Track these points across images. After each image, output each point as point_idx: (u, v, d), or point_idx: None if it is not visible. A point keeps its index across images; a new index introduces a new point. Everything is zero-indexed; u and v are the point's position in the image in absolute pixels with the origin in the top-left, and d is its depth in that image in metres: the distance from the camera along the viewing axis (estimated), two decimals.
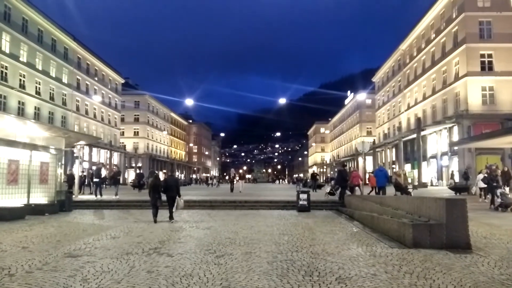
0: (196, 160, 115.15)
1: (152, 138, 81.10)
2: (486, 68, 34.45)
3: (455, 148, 33.82)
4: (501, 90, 33.97)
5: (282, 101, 42.59)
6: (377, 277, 5.75)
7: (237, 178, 30.87)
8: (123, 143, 71.85)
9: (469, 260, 6.75)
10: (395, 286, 5.29)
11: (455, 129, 35.38)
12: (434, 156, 40.10)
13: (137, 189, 30.04)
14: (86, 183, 28.11)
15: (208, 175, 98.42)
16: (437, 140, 39.38)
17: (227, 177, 38.33)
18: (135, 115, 77.23)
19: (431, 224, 8.27)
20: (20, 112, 39.90)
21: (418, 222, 8.56)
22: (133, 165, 73.09)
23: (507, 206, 13.70)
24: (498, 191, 14.15)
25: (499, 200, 13.99)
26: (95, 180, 21.65)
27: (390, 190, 20.17)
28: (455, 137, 34.70)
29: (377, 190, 20.02)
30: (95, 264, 6.57)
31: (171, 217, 12.74)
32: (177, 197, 12.84)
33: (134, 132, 77.23)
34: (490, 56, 34.45)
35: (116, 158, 64.91)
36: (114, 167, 44.52)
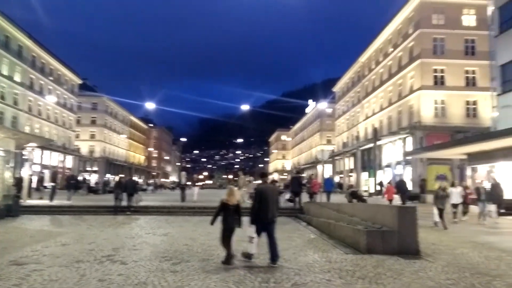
0: (155, 165, 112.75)
1: (110, 141, 78.55)
2: (439, 82, 36.33)
3: (409, 157, 35.33)
4: (451, 104, 35.94)
5: (245, 107, 42.67)
6: (331, 282, 5.87)
7: (190, 183, 25.60)
8: (78, 146, 69.10)
9: (418, 266, 7.05)
10: None
11: (409, 139, 36.97)
12: (389, 165, 41.67)
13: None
14: (35, 187, 26.71)
15: (171, 180, 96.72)
16: (392, 150, 41.00)
17: (181, 182, 24.67)
18: (92, 117, 74.51)
19: (384, 231, 8.57)
20: None
21: (371, 229, 8.84)
22: (88, 169, 70.41)
23: None
24: None
25: None
26: (50, 184, 20.66)
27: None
28: (409, 147, 36.26)
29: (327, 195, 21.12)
30: (42, 272, 6.25)
31: (130, 206, 17.21)
32: (135, 193, 17.62)
33: (91, 135, 74.45)
34: (442, 71, 36.41)
35: (70, 161, 62.28)
36: (67, 170, 42.63)
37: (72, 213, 16.81)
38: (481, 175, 22.30)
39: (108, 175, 68.92)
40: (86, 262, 7.07)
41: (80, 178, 39.37)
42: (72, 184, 22.87)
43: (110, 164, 75.85)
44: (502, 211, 13.73)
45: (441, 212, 12.64)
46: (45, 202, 19.66)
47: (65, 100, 62.10)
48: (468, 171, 24.26)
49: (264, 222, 7.17)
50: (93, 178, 64.52)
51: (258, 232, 7.16)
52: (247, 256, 7.31)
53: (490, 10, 24.14)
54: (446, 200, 13.11)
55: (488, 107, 27.62)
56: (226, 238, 7.07)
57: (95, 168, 71.67)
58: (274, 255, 7.05)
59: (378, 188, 35.12)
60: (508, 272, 6.55)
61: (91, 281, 5.79)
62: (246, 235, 7.21)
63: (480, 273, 6.47)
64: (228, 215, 7.13)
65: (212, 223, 7.29)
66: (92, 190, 35.82)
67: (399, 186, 19.35)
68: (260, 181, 7.99)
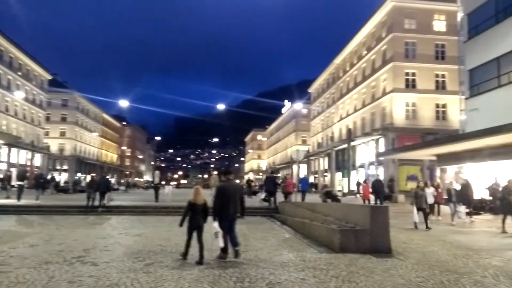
0: (129, 163, 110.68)
1: (81, 139, 76.49)
2: (410, 85, 37.34)
3: (381, 158, 36.15)
4: (422, 107, 37.02)
5: (221, 107, 42.59)
6: (305, 281, 5.92)
7: (164, 182, 23.57)
8: (47, 143, 66.93)
9: (389, 264, 7.21)
10: None
11: (382, 140, 37.83)
12: (362, 166, 42.48)
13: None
14: (2, 186, 25.68)
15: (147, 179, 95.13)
16: (366, 151, 41.83)
17: (154, 182, 22.50)
18: (62, 114, 72.31)
19: (357, 230, 8.73)
20: None
21: (345, 228, 8.98)
22: (58, 167, 68.35)
23: None
24: None
25: None
26: (18, 183, 19.89)
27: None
28: (382, 148, 37.10)
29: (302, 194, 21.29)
30: (9, 274, 6.02)
31: (101, 205, 16.72)
32: (107, 192, 17.16)
33: (61, 132, 72.26)
34: (413, 74, 37.43)
35: (38, 159, 60.24)
36: (36, 169, 41.20)
37: (41, 213, 16.25)
38: (450, 175, 23.08)
39: (79, 174, 67.14)
40: (55, 264, 6.85)
41: (49, 177, 38.17)
42: (40, 183, 22.12)
43: (81, 163, 73.90)
44: (468, 210, 14.11)
45: (423, 211, 12.54)
46: (12, 201, 18.92)
47: (34, 96, 60.05)
48: (438, 172, 25.06)
49: (226, 218, 7.44)
50: (63, 177, 62.77)
51: (223, 227, 7.39)
52: (222, 256, 7.43)
53: (459, 16, 24.98)
54: (425, 199, 12.92)
55: (457, 110, 28.58)
56: (191, 236, 7.32)
57: (65, 167, 69.67)
58: (234, 244, 7.48)
59: (355, 188, 35.74)
60: (475, 270, 6.79)
61: (60, 283, 5.62)
62: (212, 232, 7.45)
63: (449, 271, 6.68)
64: (196, 214, 7.35)
65: (181, 224, 7.47)
66: (61, 189, 34.83)
67: (375, 186, 19.65)
68: (224, 179, 8.29)
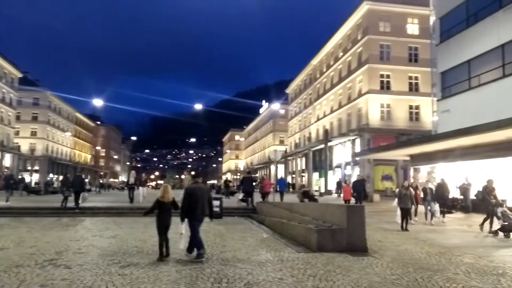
0: (103, 164, 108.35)
1: (53, 139, 74.35)
2: (385, 87, 38.12)
3: (357, 158, 36.74)
4: (396, 108, 37.85)
5: (198, 107, 42.19)
6: (283, 281, 5.94)
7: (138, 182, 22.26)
8: (17, 143, 64.68)
9: (365, 262, 7.32)
10: None
11: (358, 141, 38.46)
12: (339, 166, 43.06)
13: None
14: None
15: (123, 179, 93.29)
16: (342, 151, 42.41)
17: (129, 182, 22.11)
18: (33, 113, 70.07)
19: (333, 229, 8.83)
20: None
21: (322, 228, 9.07)
22: (29, 168, 66.20)
23: (511, 230, 10.45)
24: (499, 211, 10.75)
25: (500, 222, 10.74)
26: None
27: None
28: (357, 149, 37.71)
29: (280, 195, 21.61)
30: None
31: (76, 204, 16.52)
32: (82, 191, 17.03)
33: (32, 132, 70.02)
34: (388, 76, 38.22)
35: (8, 160, 58.18)
36: (5, 169, 39.80)
37: (11, 215, 15.69)
38: (423, 175, 23.67)
39: (51, 175, 65.26)
40: (26, 267, 6.63)
41: (20, 177, 36.91)
42: (10, 184, 21.38)
43: (53, 163, 71.86)
44: (442, 209, 14.45)
45: (406, 212, 12.17)
46: None
47: (4, 95, 57.98)
48: (411, 172, 25.66)
49: (193, 219, 7.60)
50: (34, 178, 60.82)
51: (191, 227, 7.58)
52: (199, 255, 7.47)
53: (432, 20, 25.68)
54: (409, 199, 12.42)
55: (429, 112, 29.39)
56: (162, 234, 7.53)
57: (36, 168, 67.58)
58: (191, 247, 7.61)
59: (332, 188, 36.13)
60: (447, 267, 6.98)
61: (32, 287, 5.44)
62: (178, 231, 7.81)
63: (423, 268, 6.84)
64: (164, 211, 7.59)
65: (145, 214, 8.28)
66: (32, 191, 33.79)
67: (356, 186, 19.73)
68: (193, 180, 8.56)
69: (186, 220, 7.61)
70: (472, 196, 17.08)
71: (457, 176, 19.35)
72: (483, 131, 14.97)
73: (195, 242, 7.55)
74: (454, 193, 18.60)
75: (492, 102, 18.51)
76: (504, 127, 13.90)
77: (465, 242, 10.00)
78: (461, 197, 18.16)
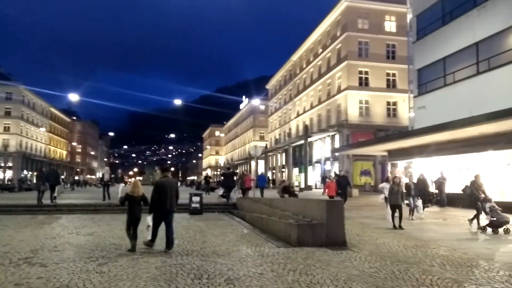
0: (80, 160, 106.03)
1: (27, 135, 72.28)
2: (363, 83, 38.66)
3: (336, 154, 37.17)
4: (374, 104, 38.46)
5: (178, 102, 41.83)
6: (263, 276, 5.96)
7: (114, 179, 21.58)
8: None
9: (344, 256, 7.43)
10: (280, 283, 5.55)
11: (337, 137, 38.89)
12: (318, 161, 43.48)
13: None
14: None
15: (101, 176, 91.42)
16: (322, 147, 42.81)
17: (104, 179, 20.08)
18: (6, 108, 67.87)
19: (313, 224, 8.91)
20: None
21: (302, 223, 9.14)
22: (2, 164, 64.19)
23: (499, 226, 10.20)
24: (487, 206, 10.50)
25: (488, 217, 10.51)
26: None
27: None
28: (337, 144, 38.15)
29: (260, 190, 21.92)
30: None
31: (53, 199, 16.37)
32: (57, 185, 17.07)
33: (5, 127, 67.85)
34: (366, 73, 38.75)
35: None
36: None
37: None
38: (400, 170, 24.14)
39: (25, 172, 63.48)
40: (0, 266, 6.43)
41: None
42: None
43: (27, 160, 69.88)
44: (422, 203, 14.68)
45: (399, 209, 11.38)
46: None
47: None
48: (389, 167, 26.15)
49: (162, 212, 7.96)
50: (7, 175, 59.07)
51: (157, 221, 7.99)
52: (148, 244, 8.04)
53: (409, 18, 26.12)
54: (401, 195, 11.70)
55: (406, 108, 29.97)
56: (130, 227, 7.83)
57: (10, 164, 65.61)
58: (169, 242, 7.88)
59: (314, 183, 36.35)
60: (423, 260, 7.15)
61: (6, 286, 5.29)
62: (145, 223, 8.10)
63: (399, 261, 6.99)
64: (134, 206, 7.89)
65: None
66: (5, 188, 32.79)
67: (340, 183, 19.76)
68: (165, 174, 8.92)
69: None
70: (446, 190, 17.57)
71: (433, 170, 19.83)
72: (458, 127, 15.37)
73: (167, 239, 7.93)
74: (430, 187, 19.04)
75: (466, 99, 19.01)
76: (477, 123, 14.33)
77: (440, 235, 10.26)
78: (436, 191, 18.61)
